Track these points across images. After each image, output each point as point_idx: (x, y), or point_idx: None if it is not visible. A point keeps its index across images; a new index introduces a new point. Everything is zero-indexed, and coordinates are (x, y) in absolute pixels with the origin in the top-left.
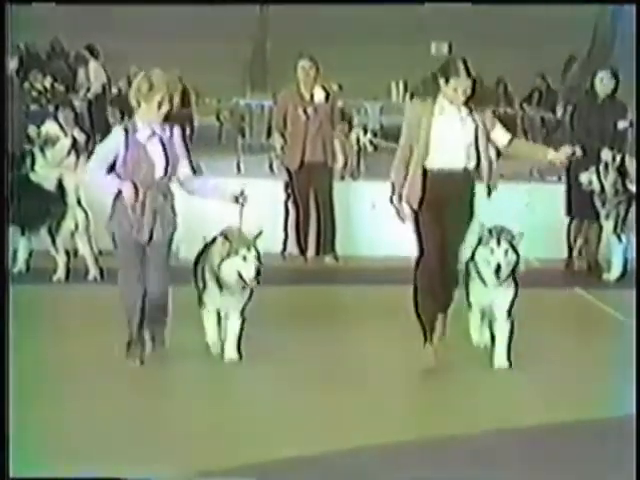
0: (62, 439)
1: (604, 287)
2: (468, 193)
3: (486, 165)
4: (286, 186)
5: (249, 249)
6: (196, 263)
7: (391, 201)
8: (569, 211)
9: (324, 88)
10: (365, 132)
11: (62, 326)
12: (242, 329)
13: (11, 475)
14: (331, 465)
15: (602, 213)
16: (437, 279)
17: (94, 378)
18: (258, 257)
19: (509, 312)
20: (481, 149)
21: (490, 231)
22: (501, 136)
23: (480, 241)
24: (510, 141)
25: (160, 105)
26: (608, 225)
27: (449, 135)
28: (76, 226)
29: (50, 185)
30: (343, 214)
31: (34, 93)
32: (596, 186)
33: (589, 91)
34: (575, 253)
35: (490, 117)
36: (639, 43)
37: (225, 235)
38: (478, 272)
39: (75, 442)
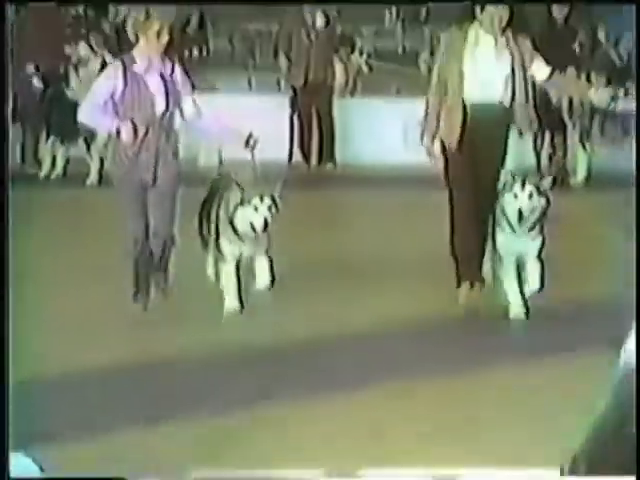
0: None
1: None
2: (504, 131)
3: (523, 100)
4: (291, 102)
5: (262, 199)
6: (203, 207)
7: (421, 139)
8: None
9: (325, 14)
10: (361, 54)
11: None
12: (272, 271)
13: (11, 475)
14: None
15: (569, 126)
16: (473, 222)
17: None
18: (270, 207)
19: (539, 260)
20: (517, 82)
21: (514, 175)
22: (541, 69)
23: (504, 186)
24: (550, 75)
25: (158, 35)
26: (574, 135)
27: (484, 66)
28: (109, 136)
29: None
30: (342, 127)
31: (69, 19)
32: (564, 102)
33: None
34: (543, 162)
35: (530, 49)
36: (639, 43)
37: (237, 182)
38: (506, 218)
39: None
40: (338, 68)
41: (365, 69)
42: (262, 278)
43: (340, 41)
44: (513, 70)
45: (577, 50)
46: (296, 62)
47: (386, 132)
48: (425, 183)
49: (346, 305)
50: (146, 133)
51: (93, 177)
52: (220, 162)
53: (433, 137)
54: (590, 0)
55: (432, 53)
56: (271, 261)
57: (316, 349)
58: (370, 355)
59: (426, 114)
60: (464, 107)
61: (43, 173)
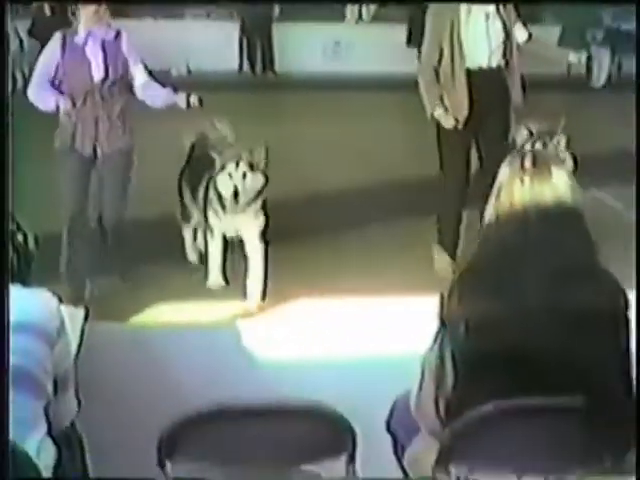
0: None
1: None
2: (506, 100)
3: (517, 64)
4: (241, 28)
5: (237, 165)
6: (182, 175)
7: (431, 117)
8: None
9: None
10: None
11: None
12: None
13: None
14: None
15: None
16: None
17: None
18: (245, 173)
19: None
20: (510, 47)
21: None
22: (521, 32)
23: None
24: (529, 38)
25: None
26: None
27: (480, 32)
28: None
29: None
30: (279, 45)
31: None
32: None
33: None
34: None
35: (512, 12)
36: (639, 43)
37: (215, 148)
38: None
39: None
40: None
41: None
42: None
43: None
44: (507, 34)
45: None
46: None
47: (310, 49)
48: (335, 86)
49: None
50: (84, 103)
51: None
52: (189, 72)
53: (446, 110)
54: (590, 1)
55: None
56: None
57: None
58: None
59: (426, 87)
60: (468, 76)
61: None
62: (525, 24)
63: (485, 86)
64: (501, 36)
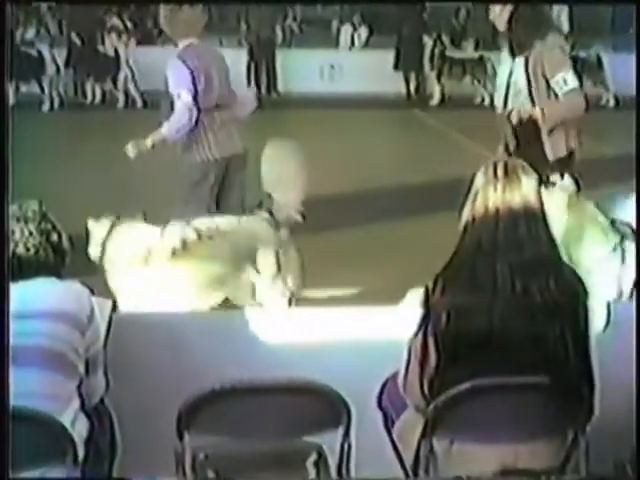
0: None
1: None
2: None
3: None
4: (249, 53)
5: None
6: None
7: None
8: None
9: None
10: (295, 20)
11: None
12: None
13: (10, 475)
14: None
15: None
16: None
17: None
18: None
19: None
20: None
21: None
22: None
23: None
24: None
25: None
26: (432, 74)
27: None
28: (126, 77)
29: (111, 53)
30: (282, 69)
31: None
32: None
33: None
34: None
35: None
36: (639, 43)
37: None
38: None
39: None
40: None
41: (297, 31)
42: None
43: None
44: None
45: None
46: (252, 27)
47: (308, 72)
48: (331, 104)
49: None
50: (206, 112)
51: (121, 104)
52: None
53: None
54: (590, 0)
55: (341, 21)
56: None
57: None
58: None
59: None
60: None
61: (88, 102)
62: None
63: None
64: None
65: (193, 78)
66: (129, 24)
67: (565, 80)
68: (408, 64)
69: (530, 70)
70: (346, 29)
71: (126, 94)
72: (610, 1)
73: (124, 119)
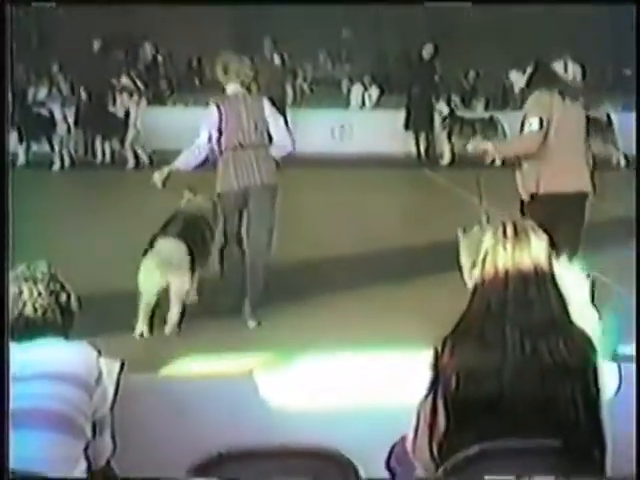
0: None
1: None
2: None
3: None
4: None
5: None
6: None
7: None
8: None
9: (280, 55)
10: (305, 80)
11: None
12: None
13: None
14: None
15: (438, 125)
16: None
17: None
18: None
19: None
20: None
21: None
22: None
23: None
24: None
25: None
26: (443, 133)
27: None
28: (135, 137)
29: (121, 114)
30: (293, 128)
31: (114, 61)
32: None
33: None
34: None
35: None
36: (639, 43)
37: None
38: None
39: None
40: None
41: (307, 90)
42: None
43: (289, 71)
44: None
45: None
46: (262, 86)
47: (320, 131)
48: (341, 163)
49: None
50: (238, 149)
51: (131, 163)
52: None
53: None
54: (590, 0)
55: (351, 81)
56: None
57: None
58: None
59: None
60: None
61: (97, 161)
62: None
63: None
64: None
65: (220, 121)
66: (140, 84)
67: (531, 123)
68: (418, 124)
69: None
70: (357, 89)
71: (135, 154)
72: (610, 1)
73: (133, 179)
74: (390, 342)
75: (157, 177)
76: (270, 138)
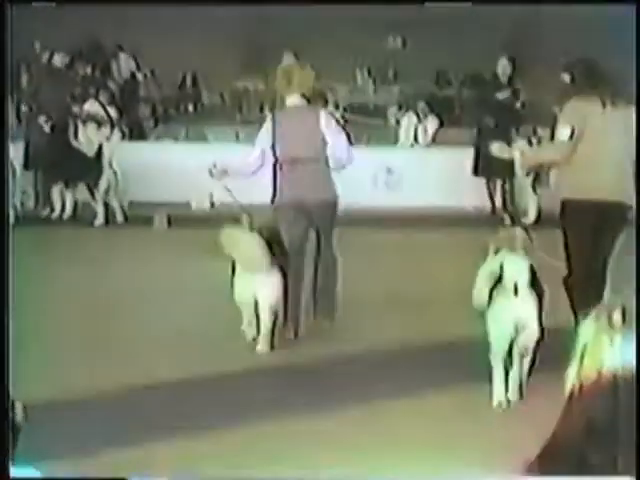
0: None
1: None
2: None
3: None
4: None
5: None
6: None
7: None
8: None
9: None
10: (337, 108)
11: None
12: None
13: (11, 475)
14: None
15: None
16: None
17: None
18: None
19: None
20: None
21: None
22: None
23: None
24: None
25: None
26: (527, 181)
27: None
28: (109, 184)
29: (90, 151)
30: None
31: (78, 79)
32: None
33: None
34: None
35: None
36: (639, 43)
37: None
38: None
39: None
40: None
41: (340, 121)
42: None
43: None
44: None
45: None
46: None
47: (358, 177)
48: (388, 223)
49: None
50: (294, 163)
51: (100, 218)
52: (212, 205)
53: None
54: (590, 0)
55: (400, 108)
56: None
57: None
58: None
59: None
60: None
61: (54, 215)
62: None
63: None
64: None
65: (274, 136)
66: (112, 111)
67: (562, 132)
68: (493, 168)
69: None
70: (408, 120)
71: (106, 206)
72: (610, 1)
73: (103, 239)
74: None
75: (215, 168)
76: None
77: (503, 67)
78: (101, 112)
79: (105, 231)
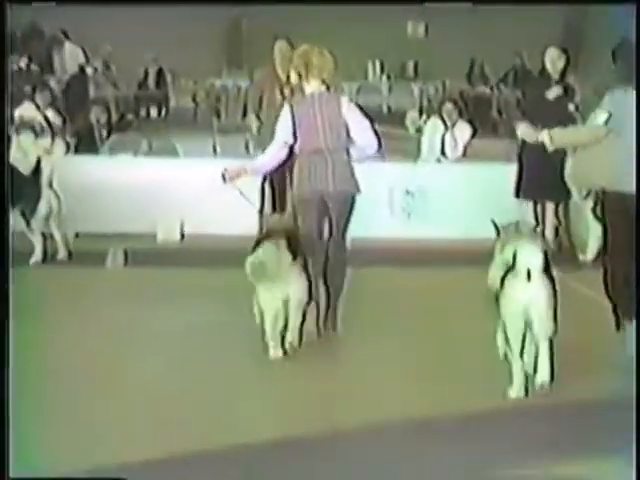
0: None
1: (579, 268)
2: None
3: None
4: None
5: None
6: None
7: None
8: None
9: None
10: None
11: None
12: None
13: (11, 475)
14: None
15: (577, 193)
16: None
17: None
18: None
19: None
20: None
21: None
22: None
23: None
24: None
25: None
26: (587, 204)
27: None
28: (50, 209)
29: (25, 168)
30: None
31: (8, 75)
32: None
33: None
34: (548, 234)
35: None
36: (639, 43)
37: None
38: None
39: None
40: None
41: None
42: None
43: None
44: None
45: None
46: (268, 122)
47: (370, 201)
48: (407, 257)
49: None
50: (315, 152)
51: (38, 255)
52: (182, 237)
53: None
54: (590, 0)
55: (422, 112)
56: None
57: None
58: None
59: None
60: None
61: None
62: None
63: None
64: None
65: (294, 126)
66: (54, 116)
67: (598, 116)
68: (541, 187)
69: None
70: (432, 127)
71: (45, 238)
72: (610, 1)
73: (40, 280)
74: None
75: (228, 171)
76: (350, 140)
77: (552, 59)
78: (39, 117)
79: (43, 270)
